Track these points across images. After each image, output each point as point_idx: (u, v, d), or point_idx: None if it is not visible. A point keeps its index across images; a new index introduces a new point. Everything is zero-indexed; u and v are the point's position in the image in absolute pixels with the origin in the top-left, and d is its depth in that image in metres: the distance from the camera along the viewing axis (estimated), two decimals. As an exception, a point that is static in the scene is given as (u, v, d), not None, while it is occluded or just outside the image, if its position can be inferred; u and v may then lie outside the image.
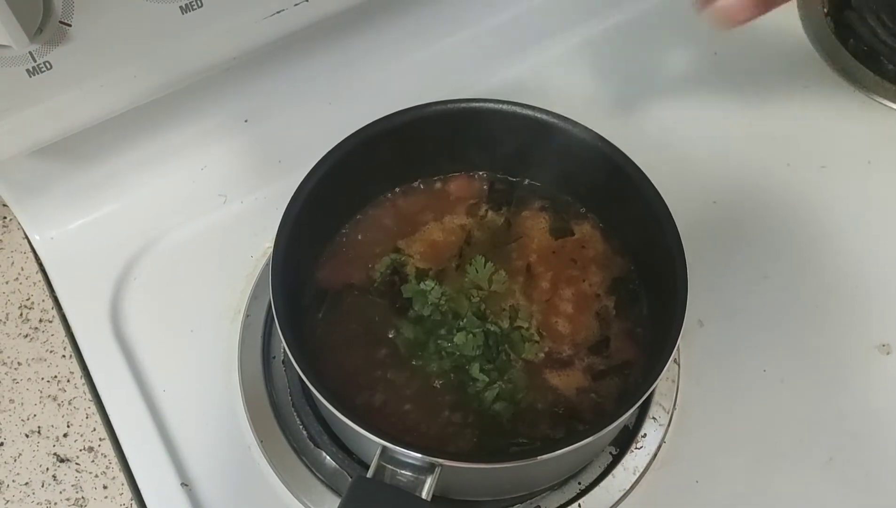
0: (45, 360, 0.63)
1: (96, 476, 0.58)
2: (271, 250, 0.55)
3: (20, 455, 0.59)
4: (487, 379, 0.56)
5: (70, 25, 0.51)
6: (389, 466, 0.48)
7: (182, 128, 0.69)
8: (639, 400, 0.50)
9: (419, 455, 0.47)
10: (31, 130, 0.56)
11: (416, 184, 0.65)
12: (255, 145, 0.72)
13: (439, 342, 0.57)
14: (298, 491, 0.58)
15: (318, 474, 0.59)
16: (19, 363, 0.62)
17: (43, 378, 0.62)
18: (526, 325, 0.58)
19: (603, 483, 0.58)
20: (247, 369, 0.62)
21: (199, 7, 0.55)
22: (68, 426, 0.60)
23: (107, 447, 0.59)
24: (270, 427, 0.60)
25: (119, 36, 0.54)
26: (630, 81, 0.77)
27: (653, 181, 0.57)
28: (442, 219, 0.63)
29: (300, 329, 0.57)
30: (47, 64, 0.52)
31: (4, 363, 0.62)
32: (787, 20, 0.80)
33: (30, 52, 0.51)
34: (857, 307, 0.65)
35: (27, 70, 0.52)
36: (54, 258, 0.67)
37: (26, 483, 0.58)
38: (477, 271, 0.60)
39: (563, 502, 0.58)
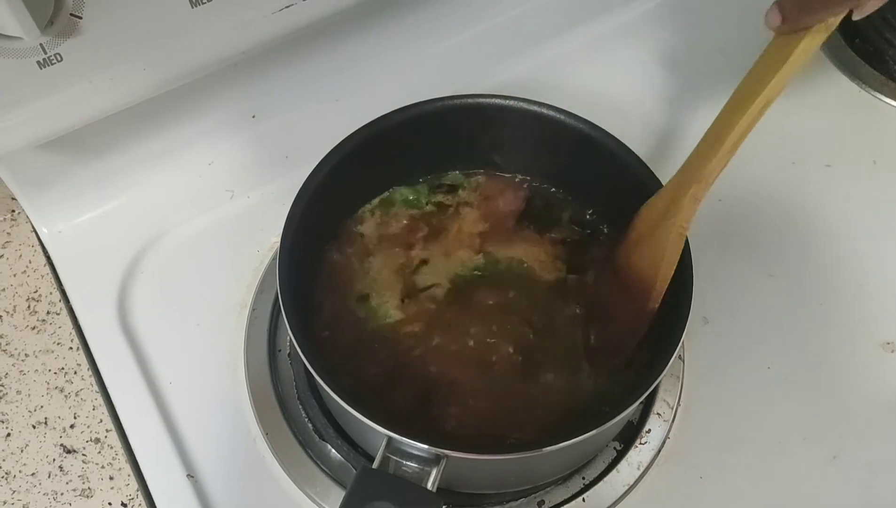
0: (53, 352, 0.63)
1: (103, 466, 0.59)
2: (278, 244, 0.55)
3: (27, 445, 0.59)
4: None
5: (81, 18, 0.52)
6: (395, 457, 0.48)
7: (190, 123, 0.69)
8: (643, 395, 0.50)
9: (425, 447, 0.47)
10: (41, 123, 0.56)
11: (422, 180, 0.65)
12: (262, 141, 0.72)
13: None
14: (303, 484, 0.58)
15: (323, 466, 0.59)
16: (27, 355, 0.63)
17: (50, 370, 0.62)
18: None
19: (607, 478, 0.58)
20: (253, 362, 0.63)
21: (208, 1, 0.55)
22: (75, 418, 0.61)
23: (113, 438, 0.60)
24: (276, 420, 0.60)
25: (129, 29, 0.54)
26: (635, 78, 0.77)
27: (659, 179, 0.57)
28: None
29: (306, 322, 0.58)
30: (58, 56, 0.53)
31: (12, 355, 0.63)
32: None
33: (41, 44, 0.51)
34: (862, 306, 0.65)
35: (38, 62, 0.52)
36: (62, 252, 0.67)
37: (33, 474, 0.58)
38: None
39: (567, 496, 0.58)
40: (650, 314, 0.53)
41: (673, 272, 0.52)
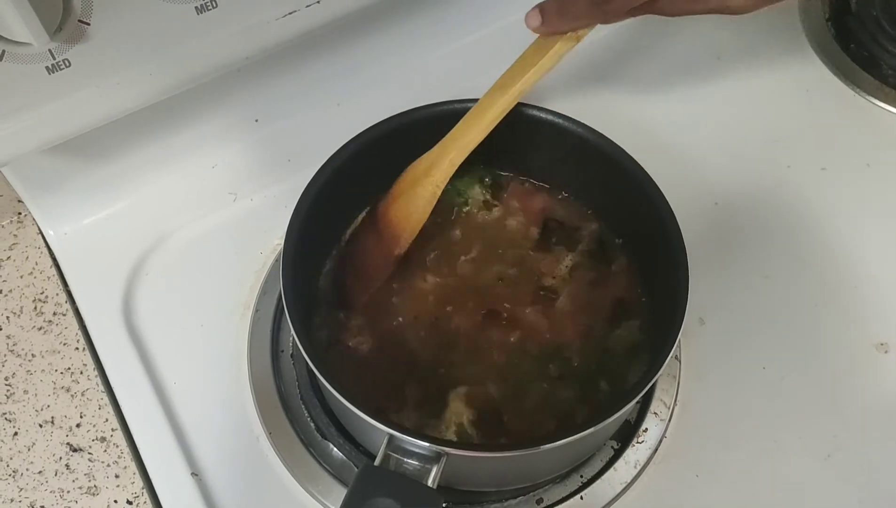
0: (59, 352, 0.64)
1: (108, 465, 0.60)
2: (280, 246, 0.56)
3: (34, 444, 0.60)
4: None
5: (89, 24, 0.53)
6: (396, 455, 0.49)
7: (193, 127, 0.70)
8: (639, 394, 0.51)
9: (426, 444, 0.48)
10: (49, 127, 0.57)
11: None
12: (264, 144, 0.73)
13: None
14: (306, 482, 0.59)
15: (325, 465, 0.60)
16: (33, 355, 0.64)
17: (56, 370, 0.63)
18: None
19: (605, 476, 0.59)
20: (256, 362, 0.63)
21: (213, 7, 0.56)
22: (81, 417, 0.61)
23: (119, 437, 0.61)
24: (279, 419, 0.61)
25: (136, 35, 0.55)
26: (634, 84, 0.78)
27: (656, 183, 0.58)
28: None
29: (309, 322, 0.59)
30: (66, 62, 0.53)
31: (19, 355, 0.64)
32: (788, 25, 0.81)
33: (49, 50, 0.52)
34: (856, 307, 0.66)
35: (46, 67, 0.53)
36: (68, 253, 0.68)
37: (40, 472, 0.59)
38: None
39: (565, 494, 0.59)
40: (396, 260, 0.60)
41: (421, 226, 0.60)
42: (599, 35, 0.79)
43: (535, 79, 0.55)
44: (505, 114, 0.56)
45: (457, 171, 0.60)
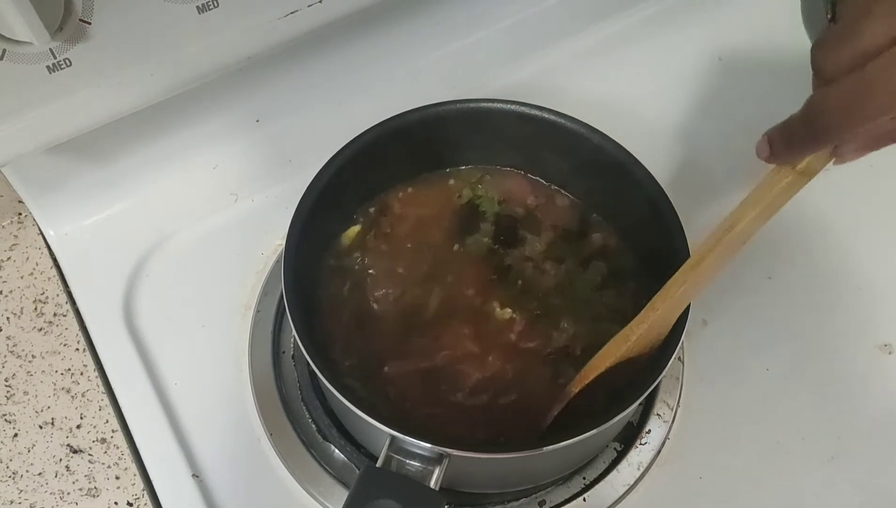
0: (59, 353, 0.64)
1: (109, 466, 0.59)
2: (282, 247, 0.56)
3: (34, 445, 0.60)
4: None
5: (90, 23, 0.52)
6: (398, 456, 0.49)
7: (195, 127, 0.70)
8: (642, 395, 0.51)
9: (428, 445, 0.48)
10: (50, 127, 0.57)
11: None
12: (266, 145, 0.73)
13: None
14: (307, 484, 0.59)
15: (326, 467, 0.59)
16: (34, 356, 0.64)
17: (57, 371, 0.63)
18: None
19: (608, 478, 0.59)
20: (257, 363, 0.63)
21: (215, 7, 0.56)
22: (81, 418, 0.61)
23: (119, 438, 0.60)
24: (280, 421, 0.61)
25: (137, 34, 0.55)
26: (636, 84, 0.78)
27: (658, 182, 0.58)
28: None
29: (310, 323, 0.58)
30: (67, 61, 0.53)
31: (19, 356, 0.64)
32: (791, 27, 0.81)
33: (50, 49, 0.52)
34: (859, 308, 0.66)
35: (47, 67, 0.53)
36: (68, 254, 0.68)
37: (40, 473, 0.59)
38: None
39: (568, 496, 0.58)
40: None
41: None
42: (600, 37, 0.80)
43: (758, 218, 0.49)
44: (725, 261, 0.49)
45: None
